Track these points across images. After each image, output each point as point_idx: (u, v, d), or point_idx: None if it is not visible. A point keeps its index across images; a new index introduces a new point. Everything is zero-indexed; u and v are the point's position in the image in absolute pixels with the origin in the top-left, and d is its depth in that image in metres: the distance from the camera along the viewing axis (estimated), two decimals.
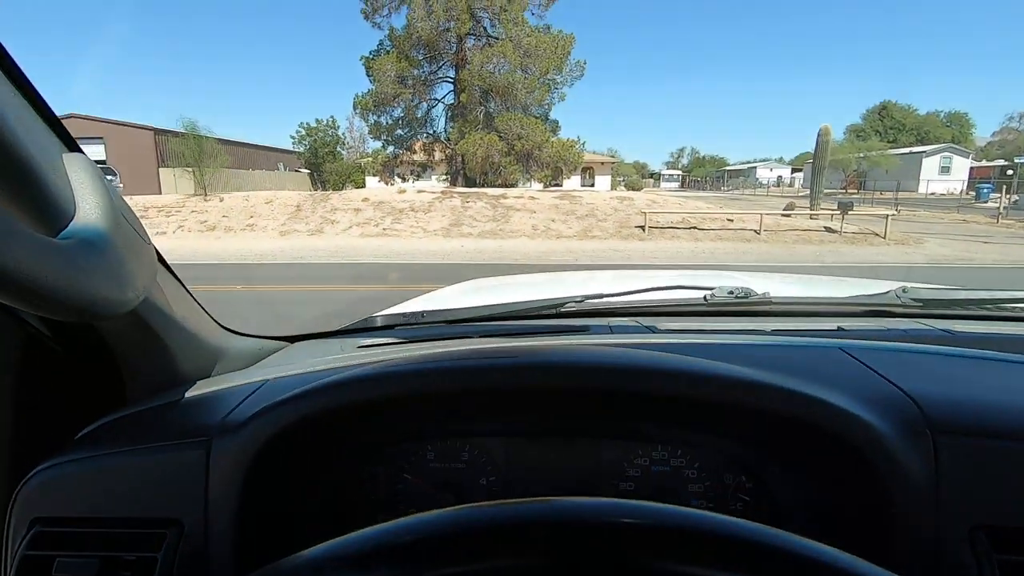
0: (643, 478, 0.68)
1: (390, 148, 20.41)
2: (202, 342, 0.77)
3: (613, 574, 0.30)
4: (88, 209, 0.45)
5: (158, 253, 0.66)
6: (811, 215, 12.88)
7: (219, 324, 0.85)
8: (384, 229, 11.99)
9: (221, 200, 14.20)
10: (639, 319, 0.97)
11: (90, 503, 0.58)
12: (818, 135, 13.29)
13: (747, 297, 1.00)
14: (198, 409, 0.69)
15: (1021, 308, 0.99)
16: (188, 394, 0.72)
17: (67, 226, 0.43)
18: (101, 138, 24.51)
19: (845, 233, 11.35)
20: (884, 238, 11.05)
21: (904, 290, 1.01)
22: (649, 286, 1.05)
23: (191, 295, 0.77)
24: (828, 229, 11.75)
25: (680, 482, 0.68)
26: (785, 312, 1.00)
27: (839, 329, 0.88)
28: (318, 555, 0.29)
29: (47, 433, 0.65)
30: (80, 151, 0.50)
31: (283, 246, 10.46)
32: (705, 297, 1.02)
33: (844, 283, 1.45)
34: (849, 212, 11.39)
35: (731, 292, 1.01)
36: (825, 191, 30.62)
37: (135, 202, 14.11)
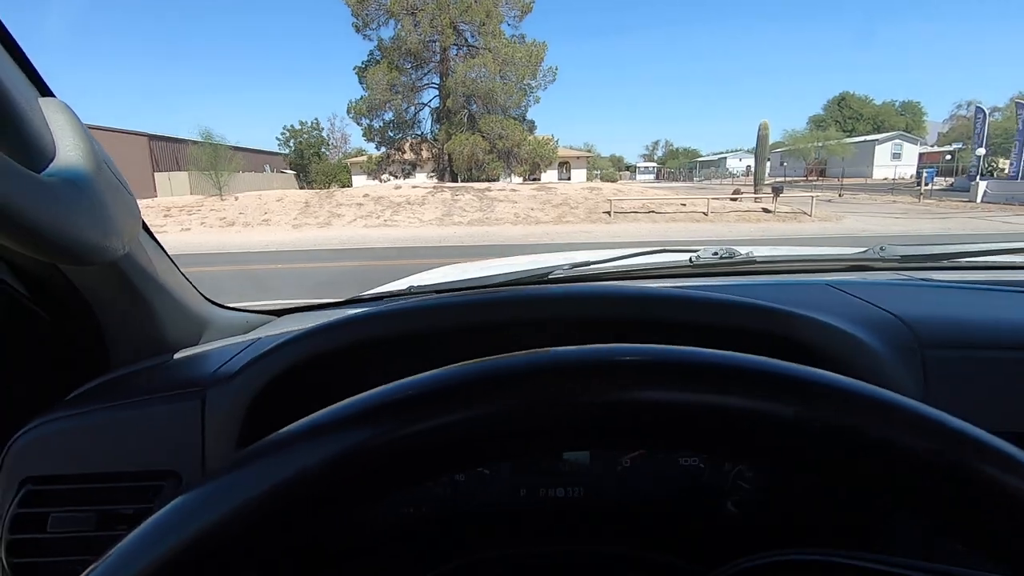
0: None
1: (382, 149, 22.21)
2: (188, 311, 0.77)
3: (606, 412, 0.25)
4: (69, 150, 0.43)
5: (145, 225, 0.66)
6: (755, 199, 14.94)
7: (205, 297, 0.85)
8: (385, 220, 13.67)
9: (236, 199, 15.78)
10: (626, 283, 0.95)
11: (84, 460, 0.58)
12: (758, 129, 15.36)
13: (732, 257, 1.02)
14: (190, 365, 0.68)
15: (993, 260, 1.03)
16: (177, 356, 0.72)
17: (48, 166, 0.41)
18: None
19: (779, 213, 13.39)
20: (811, 216, 13.10)
21: (882, 248, 1.04)
22: (635, 252, 1.07)
23: (176, 266, 0.77)
24: (765, 210, 13.79)
25: None
26: (770, 271, 1.01)
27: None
28: (320, 418, 0.26)
29: (32, 398, 0.64)
30: (54, 96, 0.49)
31: (299, 237, 12.00)
32: (691, 259, 1.03)
33: (822, 249, 1.45)
34: (780, 195, 13.47)
35: (716, 253, 1.03)
36: (788, 179, 32.97)
37: (158, 203, 15.66)
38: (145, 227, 0.67)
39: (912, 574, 0.34)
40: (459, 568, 0.61)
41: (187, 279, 0.80)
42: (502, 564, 0.63)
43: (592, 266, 1.04)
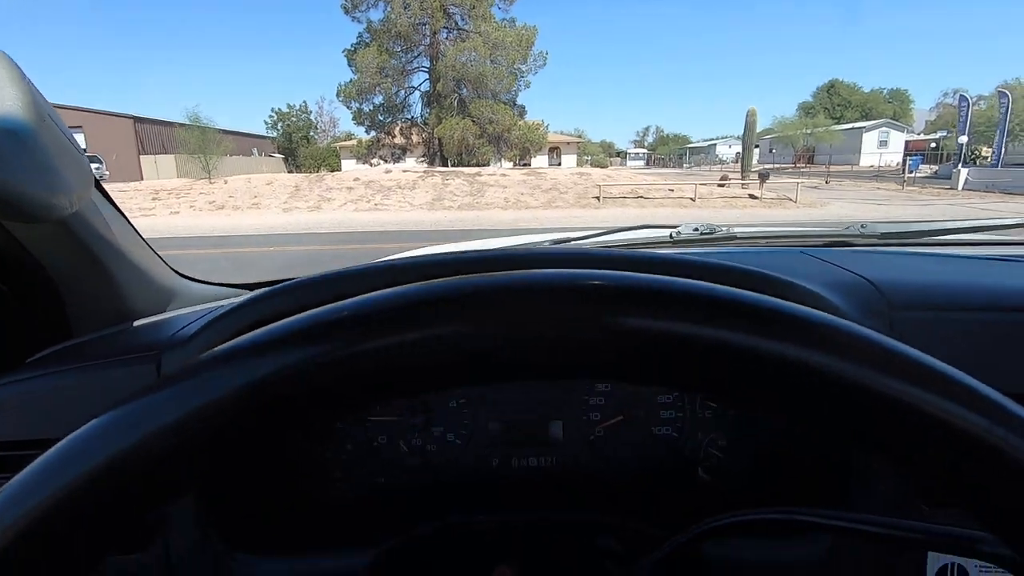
0: (610, 391, 0.69)
1: (371, 133, 22.15)
2: (152, 282, 0.76)
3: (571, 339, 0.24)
4: (8, 102, 0.40)
5: (105, 192, 0.65)
6: (742, 185, 15.15)
7: (173, 270, 0.83)
8: (376, 204, 13.70)
9: (225, 182, 15.73)
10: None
11: (37, 425, 0.56)
12: (746, 116, 15.51)
13: (712, 233, 1.02)
14: (148, 330, 0.67)
15: (972, 237, 1.04)
16: (137, 323, 0.71)
17: None
18: (80, 127, 24.92)
19: (764, 199, 13.61)
20: (795, 202, 13.33)
21: (863, 225, 1.04)
22: (615, 228, 1.08)
23: (139, 235, 0.75)
24: (751, 196, 14.00)
25: (648, 393, 0.69)
26: (749, 245, 1.02)
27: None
28: (264, 333, 0.25)
29: None
30: None
31: (289, 220, 12.00)
32: (671, 235, 1.02)
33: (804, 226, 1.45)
34: (766, 181, 13.68)
35: (696, 228, 1.03)
36: (777, 165, 33.21)
37: (146, 185, 15.54)
38: (104, 192, 0.66)
39: (869, 528, 0.35)
40: (428, 533, 0.62)
41: (152, 249, 0.78)
42: (471, 530, 0.64)
43: (570, 244, 1.03)
